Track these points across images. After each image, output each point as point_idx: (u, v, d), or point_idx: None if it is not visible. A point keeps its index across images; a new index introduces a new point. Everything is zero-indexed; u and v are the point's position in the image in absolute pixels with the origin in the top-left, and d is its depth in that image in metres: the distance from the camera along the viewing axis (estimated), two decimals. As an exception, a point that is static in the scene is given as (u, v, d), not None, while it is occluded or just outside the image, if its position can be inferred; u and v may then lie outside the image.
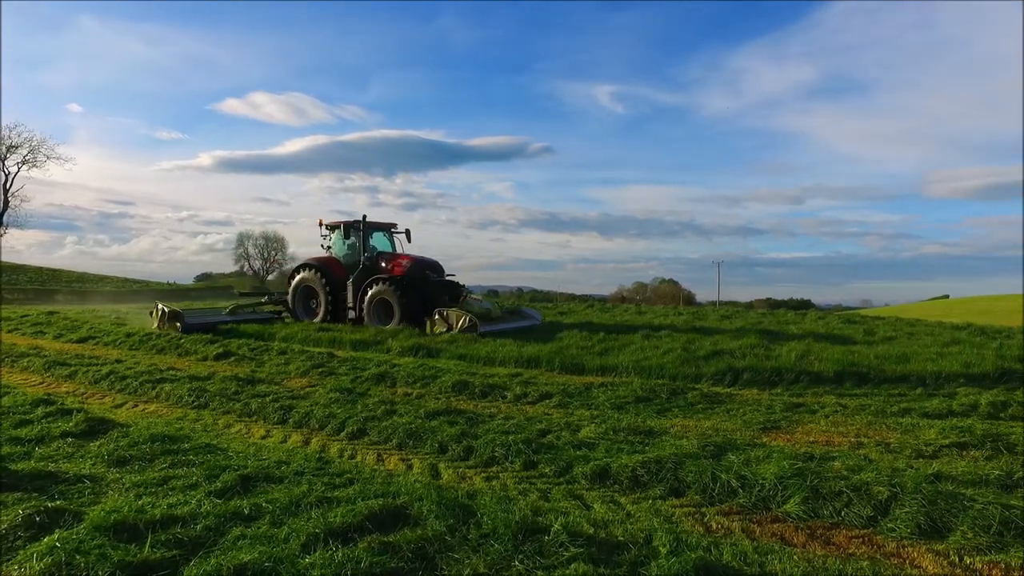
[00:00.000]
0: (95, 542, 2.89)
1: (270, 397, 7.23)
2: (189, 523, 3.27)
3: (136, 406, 7.27)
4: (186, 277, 74.52)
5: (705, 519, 3.71)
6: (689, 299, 62.25)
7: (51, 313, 19.71)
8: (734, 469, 4.17)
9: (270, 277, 77.71)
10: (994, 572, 3.06)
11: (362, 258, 16.17)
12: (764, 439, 5.55)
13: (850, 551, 3.31)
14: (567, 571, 2.85)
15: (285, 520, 3.39)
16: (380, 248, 16.84)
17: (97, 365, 9.49)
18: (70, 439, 5.12)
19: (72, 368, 9.34)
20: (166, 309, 15.32)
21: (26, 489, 3.86)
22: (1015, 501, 3.50)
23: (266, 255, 77.15)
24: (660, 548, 3.09)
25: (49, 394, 7.38)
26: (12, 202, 54.05)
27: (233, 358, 11.04)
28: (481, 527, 3.31)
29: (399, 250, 17.04)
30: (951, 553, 3.24)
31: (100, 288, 47.18)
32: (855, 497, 3.70)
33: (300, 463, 4.75)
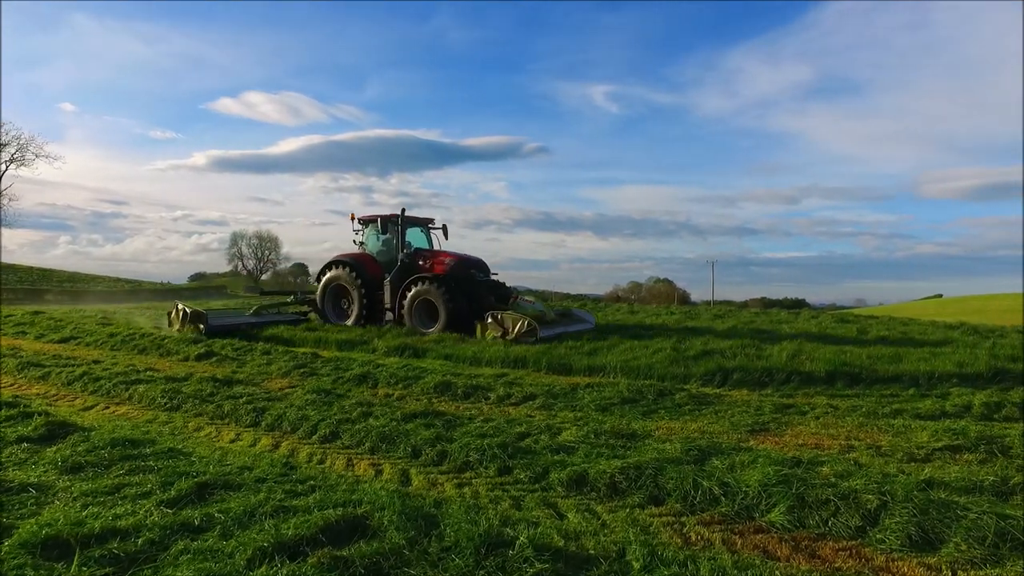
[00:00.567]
0: (16, 561, 2.67)
1: (244, 399, 7.00)
2: (130, 536, 3.05)
3: (107, 408, 7.04)
4: (180, 277, 74.27)
5: (684, 529, 3.51)
6: (684, 299, 62.20)
7: (36, 313, 19.39)
8: (717, 475, 3.97)
9: (264, 277, 77.46)
10: (989, 587, 2.87)
11: (400, 255, 14.87)
12: (751, 442, 5.35)
13: (836, 565, 3.11)
14: (531, 589, 2.65)
15: (235, 532, 3.18)
16: (416, 244, 15.61)
17: (72, 366, 9.24)
18: (25, 444, 4.89)
19: (46, 369, 9.09)
20: (187, 310, 14.12)
21: (-34, 499, 3.64)
22: (1011, 510, 3.31)
23: (260, 255, 76.88)
24: (633, 563, 2.89)
25: (17, 396, 7.13)
26: (1, 201, 53.54)
27: (215, 358, 10.80)
28: (444, 540, 3.10)
29: (435, 247, 15.88)
30: (943, 567, 3.05)
31: (92, 288, 46.75)
32: (843, 506, 3.50)
33: (265, 469, 4.54)
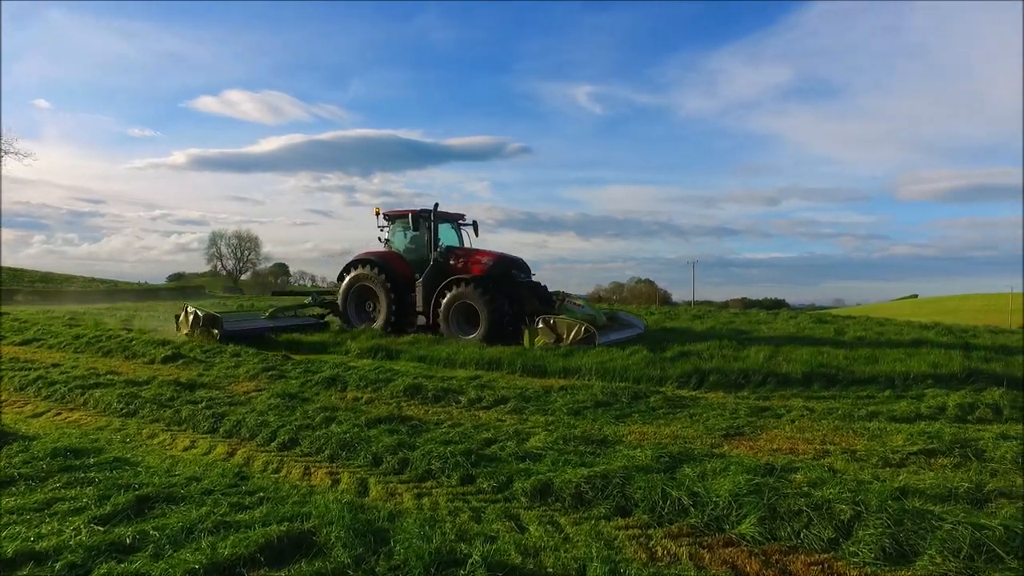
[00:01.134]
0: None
1: (204, 404, 6.73)
2: (48, 560, 2.81)
3: (58, 415, 6.72)
4: (158, 277, 73.04)
5: (651, 543, 3.33)
6: (665, 299, 62.45)
7: (1, 314, 18.82)
8: (687, 485, 3.81)
9: (243, 277, 76.57)
10: (965, 604, 2.73)
11: (433, 254, 13.51)
12: (725, 447, 5.21)
13: (808, 580, 2.96)
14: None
15: (168, 552, 2.95)
16: (446, 242, 14.20)
17: (28, 370, 8.88)
18: (-42, 455, 4.59)
19: (-1, 373, 8.72)
20: (199, 313, 12.81)
21: None
22: (986, 519, 3.19)
23: (239, 255, 76.02)
24: (593, 582, 2.71)
25: (-40, 402, 6.80)
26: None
27: (182, 361, 10.48)
28: (393, 558, 2.90)
29: (466, 244, 14.53)
30: (918, 582, 2.91)
31: (65, 288, 45.77)
32: (815, 517, 3.35)
33: (215, 479, 4.30)
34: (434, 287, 12.90)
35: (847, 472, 4.41)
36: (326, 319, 14.74)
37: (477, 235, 14.66)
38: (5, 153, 52.62)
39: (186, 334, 12.81)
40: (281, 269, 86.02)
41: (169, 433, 5.90)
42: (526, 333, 11.37)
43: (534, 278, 13.73)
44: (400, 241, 14.35)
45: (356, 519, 3.40)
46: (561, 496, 3.92)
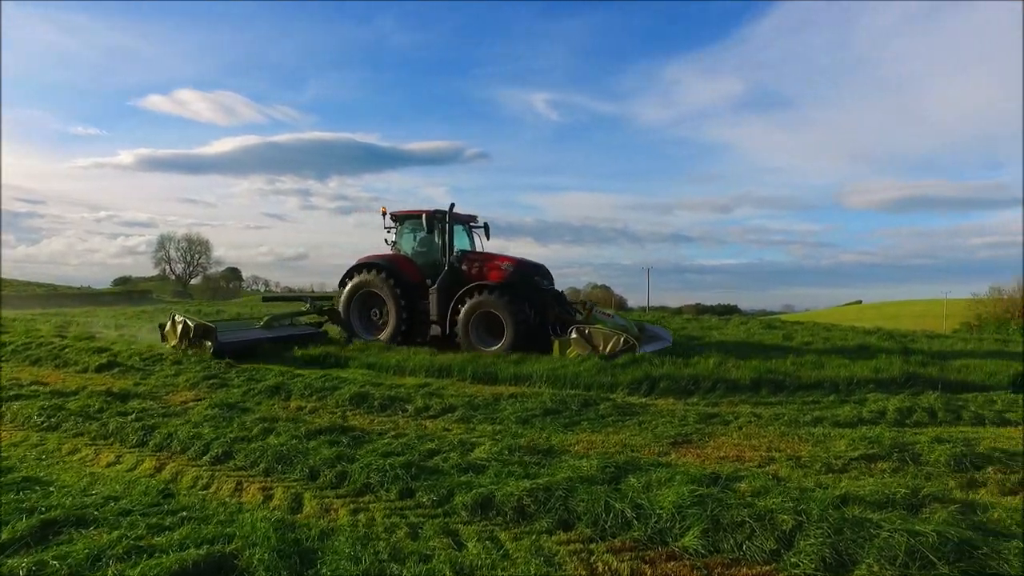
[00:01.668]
0: None
1: (135, 415, 6.38)
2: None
3: (-31, 429, 6.24)
4: (103, 281, 70.07)
5: (592, 558, 3.23)
6: (621, 304, 63.09)
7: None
8: (630, 496, 3.73)
9: (193, 281, 74.23)
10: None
11: (449, 258, 12.50)
12: (673, 456, 5.18)
13: (749, 594, 2.90)
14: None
15: (68, 584, 2.70)
16: (459, 246, 13.10)
17: (-60, 380, 8.28)
18: None
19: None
20: (189, 322, 11.38)
21: None
22: (920, 526, 3.20)
23: (189, 259, 73.71)
24: (529, 604, 2.58)
25: None
26: None
27: (118, 369, 9.98)
28: (318, 584, 2.72)
29: (478, 248, 13.43)
30: (856, 592, 2.88)
31: (-4, 291, 43.39)
32: (758, 528, 3.31)
33: (136, 498, 4.03)
34: (450, 294, 11.90)
35: (791, 479, 4.42)
36: (324, 327, 13.54)
37: (489, 238, 13.71)
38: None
39: (173, 346, 11.48)
40: (233, 274, 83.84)
41: (93, 448, 5.54)
42: (556, 344, 10.62)
43: None
44: (408, 244, 13.32)
45: (283, 539, 3.21)
46: (502, 510, 3.79)
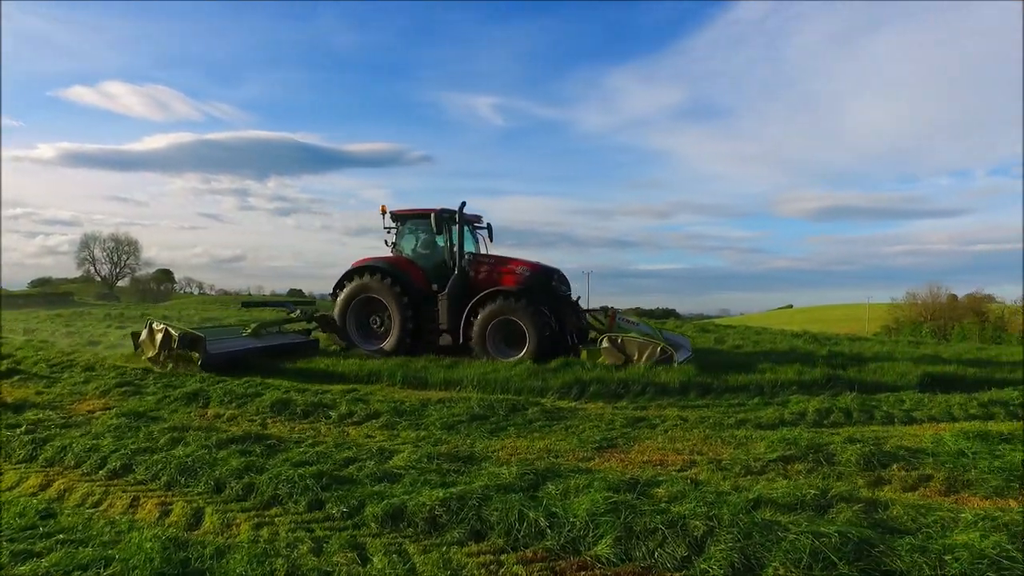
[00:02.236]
0: None
1: (26, 427, 5.90)
2: None
3: None
4: (19, 283, 65.50)
5: (501, 570, 3.13)
6: (564, 308, 63.52)
7: None
8: (545, 504, 3.65)
9: (120, 283, 70.67)
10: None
11: (461, 262, 11.57)
12: (596, 460, 5.15)
13: (657, 603, 2.86)
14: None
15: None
16: (465, 248, 12.13)
17: None
18: None
19: None
20: (172, 330, 9.85)
21: None
22: (825, 527, 3.24)
23: (116, 259, 70.09)
24: (426, 623, 2.45)
25: None
26: None
27: (18, 377, 9.30)
28: (198, 610, 2.51)
29: (483, 251, 12.61)
30: (762, 597, 2.88)
31: None
32: (670, 534, 3.28)
33: (9, 520, 3.69)
34: (462, 300, 11.07)
35: (710, 483, 4.44)
36: (312, 335, 12.49)
37: (492, 240, 12.87)
38: None
39: (150, 357, 10.00)
40: (165, 275, 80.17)
41: (-32, 466, 5.07)
42: (584, 354, 10.06)
43: None
44: (410, 245, 12.37)
45: (170, 560, 2.98)
46: (414, 521, 3.64)
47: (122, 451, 5.03)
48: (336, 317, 11.90)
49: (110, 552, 3.10)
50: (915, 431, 6.31)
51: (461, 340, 10.98)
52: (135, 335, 10.65)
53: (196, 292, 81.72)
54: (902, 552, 3.02)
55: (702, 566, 3.12)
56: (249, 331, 11.35)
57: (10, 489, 4.45)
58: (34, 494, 4.33)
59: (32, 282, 66.39)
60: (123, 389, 8.25)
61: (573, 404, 7.61)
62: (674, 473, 4.69)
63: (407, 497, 3.84)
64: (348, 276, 11.86)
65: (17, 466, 5.03)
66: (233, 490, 4.29)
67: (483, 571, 3.12)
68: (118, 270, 70.56)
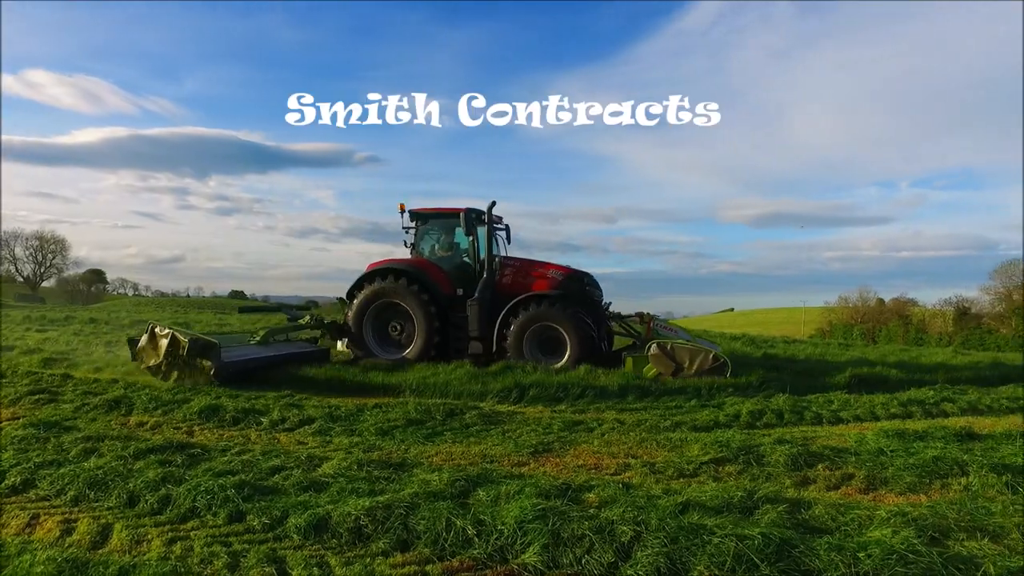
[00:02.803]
0: None
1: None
2: None
3: None
4: (-74, 283, 61.18)
5: (426, 582, 3.04)
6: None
7: None
8: (474, 512, 3.58)
9: (45, 284, 67.01)
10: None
11: (492, 264, 10.95)
12: (531, 465, 5.11)
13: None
14: None
15: None
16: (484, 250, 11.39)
17: None
18: None
19: None
20: (180, 336, 8.77)
21: None
22: (749, 529, 3.28)
23: (40, 259, 66.39)
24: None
25: None
26: None
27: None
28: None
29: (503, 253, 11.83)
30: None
31: None
32: (598, 540, 3.26)
33: None
34: (494, 306, 10.55)
35: (642, 487, 4.46)
36: (319, 343, 11.66)
37: (510, 242, 12.14)
38: None
39: (150, 367, 8.95)
40: (95, 276, 76.52)
41: None
42: (629, 361, 9.63)
43: None
44: (429, 247, 11.73)
45: (65, 583, 2.76)
46: (338, 532, 3.51)
47: (24, 465, 4.68)
48: (351, 324, 11.01)
49: (-4, 576, 2.87)
50: (841, 431, 6.53)
51: (494, 348, 10.47)
52: (133, 341, 9.47)
53: (130, 293, 78.34)
54: (820, 551, 3.08)
55: (629, 572, 3.11)
56: (259, 338, 10.55)
57: None
58: (-81, 514, 3.98)
59: (-56, 282, 62.21)
60: (36, 397, 7.75)
61: (512, 408, 7.58)
62: (607, 477, 4.70)
63: (332, 507, 3.70)
64: (367, 279, 11.00)
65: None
66: (147, 503, 4.05)
67: (406, 583, 3.02)
68: (43, 270, 66.94)
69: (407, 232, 11.67)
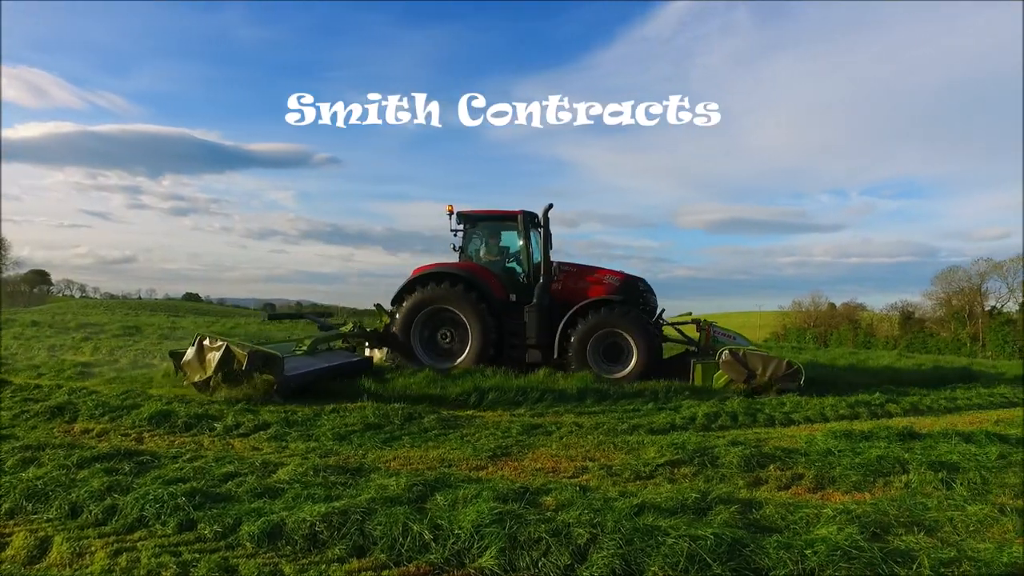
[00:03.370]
0: None
1: None
2: None
3: None
4: None
5: (382, 588, 3.02)
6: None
7: None
8: (431, 517, 3.56)
9: (-16, 284, 63.85)
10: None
11: (551, 269, 10.51)
12: (489, 469, 5.12)
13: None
14: None
15: None
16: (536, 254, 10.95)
17: None
18: None
19: None
20: (236, 348, 7.91)
21: None
22: (702, 530, 3.35)
23: (-21, 259, 63.27)
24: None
25: None
26: None
27: None
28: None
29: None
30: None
31: None
32: (554, 543, 3.29)
33: None
34: (553, 312, 10.22)
35: (599, 489, 4.51)
36: (357, 352, 11.04)
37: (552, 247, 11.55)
38: None
39: (197, 382, 8.04)
40: (38, 277, 73.45)
41: None
42: (698, 369, 9.41)
43: None
44: (477, 251, 11.29)
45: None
46: (293, 538, 3.45)
47: (-45, 477, 4.47)
48: (398, 332, 10.40)
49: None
50: (792, 432, 6.74)
51: (556, 355, 10.14)
52: (176, 355, 8.52)
53: (77, 295, 75.43)
54: (770, 550, 3.17)
55: (584, 574, 3.14)
56: (306, 348, 9.96)
57: None
58: None
59: None
60: (-24, 405, 7.40)
61: (471, 412, 7.58)
62: (565, 480, 4.74)
63: (287, 513, 3.64)
64: (420, 282, 10.42)
65: None
66: (92, 514, 3.90)
67: (362, 590, 3.00)
68: (-18, 271, 63.84)
69: (455, 235, 11.28)
